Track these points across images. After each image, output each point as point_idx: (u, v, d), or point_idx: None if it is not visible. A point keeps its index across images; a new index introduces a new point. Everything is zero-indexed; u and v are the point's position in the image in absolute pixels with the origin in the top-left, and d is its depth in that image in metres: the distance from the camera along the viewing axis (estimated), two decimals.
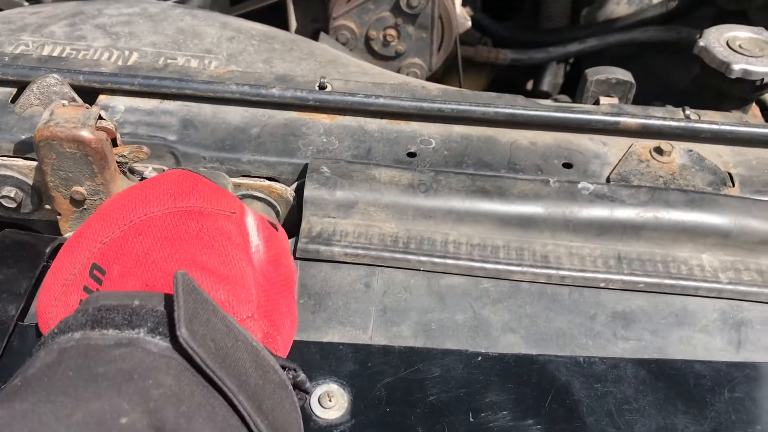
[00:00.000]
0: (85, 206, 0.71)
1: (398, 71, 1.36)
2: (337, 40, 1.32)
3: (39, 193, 0.75)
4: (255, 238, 0.62)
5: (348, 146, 0.80)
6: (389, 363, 0.63)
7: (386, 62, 1.36)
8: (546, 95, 1.60)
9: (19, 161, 0.75)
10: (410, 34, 1.33)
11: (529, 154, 0.80)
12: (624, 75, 0.90)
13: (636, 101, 0.94)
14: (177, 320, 0.45)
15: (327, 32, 1.35)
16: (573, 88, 1.62)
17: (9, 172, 0.75)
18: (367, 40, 1.34)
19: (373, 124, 0.82)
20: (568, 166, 0.79)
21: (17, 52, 0.96)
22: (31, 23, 1.04)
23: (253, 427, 0.46)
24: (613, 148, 0.81)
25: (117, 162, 0.71)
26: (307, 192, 0.73)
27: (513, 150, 0.80)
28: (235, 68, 0.95)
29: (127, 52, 0.98)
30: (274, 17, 1.42)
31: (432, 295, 0.69)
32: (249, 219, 0.63)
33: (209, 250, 0.56)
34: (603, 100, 0.89)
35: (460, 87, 1.32)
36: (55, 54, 0.96)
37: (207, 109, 0.82)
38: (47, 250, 0.69)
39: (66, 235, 0.73)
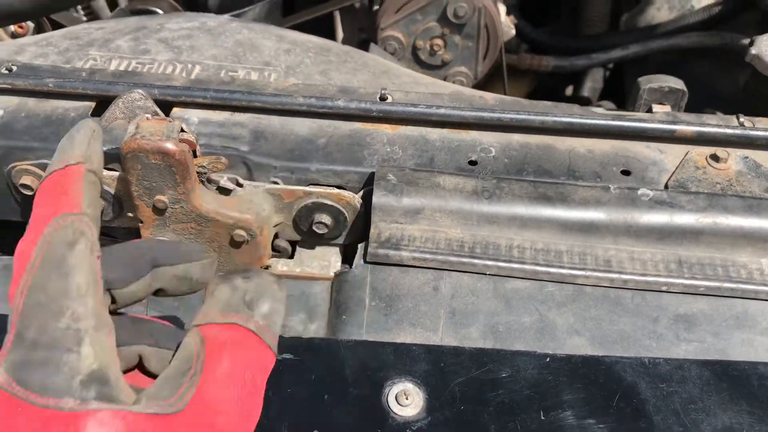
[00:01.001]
0: (167, 214, 0.75)
1: (444, 80, 1.39)
2: (385, 50, 1.36)
3: (120, 201, 0.79)
4: None
5: (411, 155, 0.83)
6: (461, 363, 0.66)
7: (433, 71, 1.39)
8: (587, 101, 1.61)
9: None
10: (456, 43, 1.36)
11: (588, 162, 0.82)
12: (676, 83, 0.92)
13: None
14: None
15: (373, 41, 1.39)
16: (613, 93, 1.64)
17: None
18: (414, 49, 1.38)
19: (434, 133, 0.85)
20: (626, 173, 0.81)
21: (87, 66, 1.01)
22: (97, 38, 1.08)
23: None
24: (669, 155, 0.83)
25: (197, 172, 0.74)
26: (376, 199, 0.76)
27: (572, 157, 0.83)
28: (294, 80, 0.98)
29: (190, 65, 1.02)
30: (321, 27, 1.46)
31: (498, 299, 0.71)
32: None
33: None
34: (656, 108, 0.91)
35: (505, 94, 1.34)
36: (122, 68, 1.01)
37: (275, 120, 0.85)
38: None
39: None
